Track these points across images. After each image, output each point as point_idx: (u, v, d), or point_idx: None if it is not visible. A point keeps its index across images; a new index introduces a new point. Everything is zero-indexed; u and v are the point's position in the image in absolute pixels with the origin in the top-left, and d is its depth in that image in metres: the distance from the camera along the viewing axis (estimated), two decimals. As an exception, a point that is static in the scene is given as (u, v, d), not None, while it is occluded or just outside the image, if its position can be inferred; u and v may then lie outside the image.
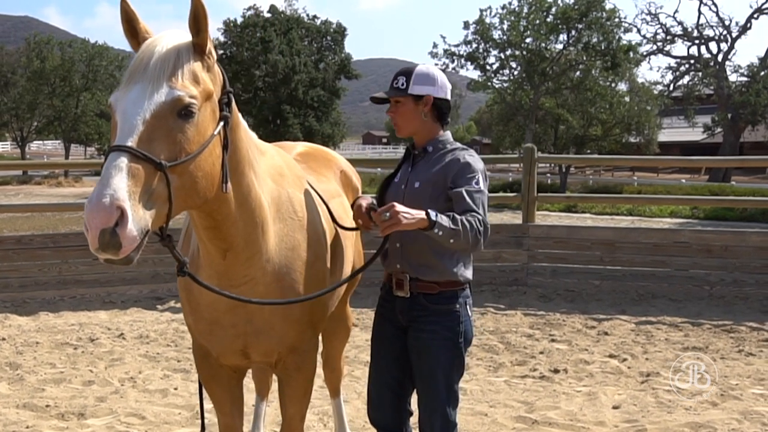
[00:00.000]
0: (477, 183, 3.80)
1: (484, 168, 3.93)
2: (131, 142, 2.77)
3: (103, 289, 11.28)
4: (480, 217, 3.67)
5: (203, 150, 2.98)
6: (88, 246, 2.69)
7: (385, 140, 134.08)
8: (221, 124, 3.12)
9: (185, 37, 3.08)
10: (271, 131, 52.91)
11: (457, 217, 3.60)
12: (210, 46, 3.11)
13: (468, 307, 4.06)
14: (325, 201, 4.18)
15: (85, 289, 11.25)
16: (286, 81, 56.36)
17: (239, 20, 59.22)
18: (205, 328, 3.76)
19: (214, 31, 61.20)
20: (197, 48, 3.07)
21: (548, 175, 54.11)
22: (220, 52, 57.62)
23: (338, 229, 4.21)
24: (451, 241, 3.58)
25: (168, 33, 3.09)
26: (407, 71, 3.99)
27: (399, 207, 3.52)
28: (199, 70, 3.05)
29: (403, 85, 3.95)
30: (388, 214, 3.51)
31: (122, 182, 2.67)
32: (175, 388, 7.37)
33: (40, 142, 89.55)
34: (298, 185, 3.91)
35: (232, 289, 3.55)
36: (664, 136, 60.53)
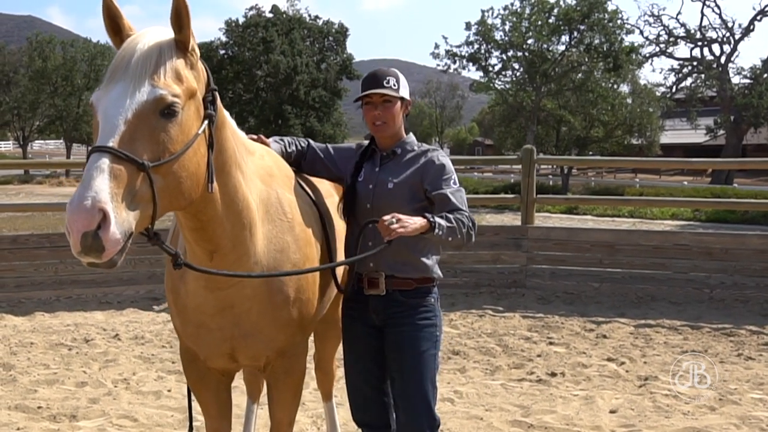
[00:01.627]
0: (455, 183, 4.01)
1: None
2: (113, 143, 2.71)
3: (100, 290, 11.23)
4: (467, 214, 3.88)
5: (187, 149, 2.92)
6: (72, 249, 2.63)
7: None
8: (206, 122, 3.07)
9: (168, 34, 3.02)
10: (272, 131, 52.77)
11: (449, 216, 3.79)
12: (193, 42, 3.05)
13: (438, 303, 4.20)
14: (316, 202, 4.13)
15: (82, 289, 11.20)
16: (287, 81, 56.33)
17: (241, 20, 59.22)
18: (192, 332, 3.71)
19: (216, 31, 61.10)
20: (180, 45, 3.01)
21: (550, 176, 54.08)
22: (222, 52, 57.72)
23: (330, 229, 4.17)
24: (450, 239, 3.76)
25: (150, 30, 3.03)
26: (393, 74, 4.08)
27: (401, 215, 3.65)
28: (182, 67, 2.99)
29: (394, 85, 4.03)
30: (394, 221, 3.61)
31: (104, 184, 2.61)
32: (169, 390, 7.31)
33: (42, 141, 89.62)
34: (287, 185, 3.85)
35: (219, 291, 3.50)
36: (666, 138, 60.42)
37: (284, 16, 60.05)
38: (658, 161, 26.08)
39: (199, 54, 3.14)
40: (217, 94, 3.21)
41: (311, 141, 4.43)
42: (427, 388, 4.04)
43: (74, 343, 8.99)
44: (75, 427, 6.37)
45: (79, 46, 67.51)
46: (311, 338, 5.57)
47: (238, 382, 6.06)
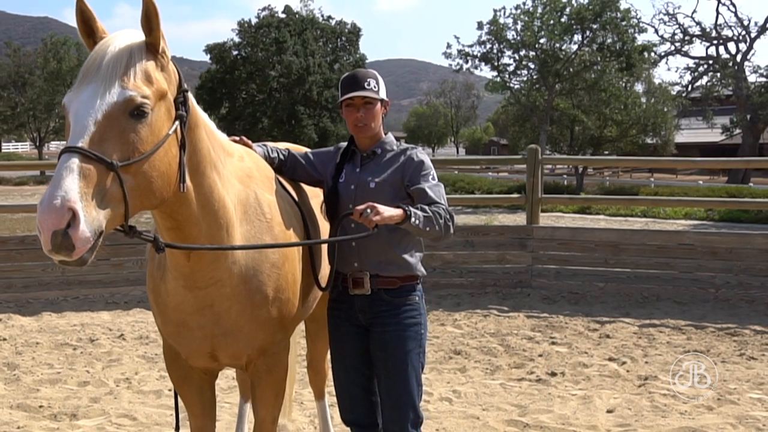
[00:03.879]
0: (433, 178, 4.07)
1: None
2: (82, 143, 2.77)
3: (107, 290, 11.31)
4: (444, 206, 3.92)
5: (157, 150, 2.97)
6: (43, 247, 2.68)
7: (403, 141, 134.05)
8: (177, 123, 3.12)
9: (139, 36, 3.07)
10: (285, 132, 53.00)
11: (426, 207, 3.86)
12: (163, 44, 3.10)
13: (423, 300, 4.26)
14: (298, 202, 4.18)
15: (89, 289, 11.28)
16: (300, 82, 56.39)
17: (254, 21, 59.35)
18: (173, 330, 3.76)
19: (229, 31, 61.29)
20: (150, 47, 3.06)
21: (564, 176, 53.93)
22: (235, 52, 57.84)
23: (313, 228, 4.22)
24: (428, 229, 3.81)
25: (122, 33, 3.09)
26: (372, 75, 4.16)
27: (375, 204, 3.70)
28: (153, 69, 3.04)
29: (375, 87, 4.10)
30: (369, 210, 3.65)
31: (73, 183, 2.66)
32: (170, 390, 7.33)
33: (58, 142, 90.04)
34: (267, 186, 3.90)
35: (198, 291, 3.55)
36: (682, 137, 60.10)
37: (297, 16, 60.14)
38: (667, 161, 25.99)
39: (170, 56, 3.18)
40: (189, 95, 3.26)
41: (291, 150, 4.50)
42: (412, 386, 4.10)
43: (79, 343, 9.07)
44: (74, 425, 6.43)
45: (94, 47, 67.75)
46: (303, 338, 5.64)
47: (233, 381, 6.11)
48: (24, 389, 7.42)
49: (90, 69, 2.96)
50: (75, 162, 2.71)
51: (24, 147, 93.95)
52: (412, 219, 3.73)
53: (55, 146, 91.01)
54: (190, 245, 3.37)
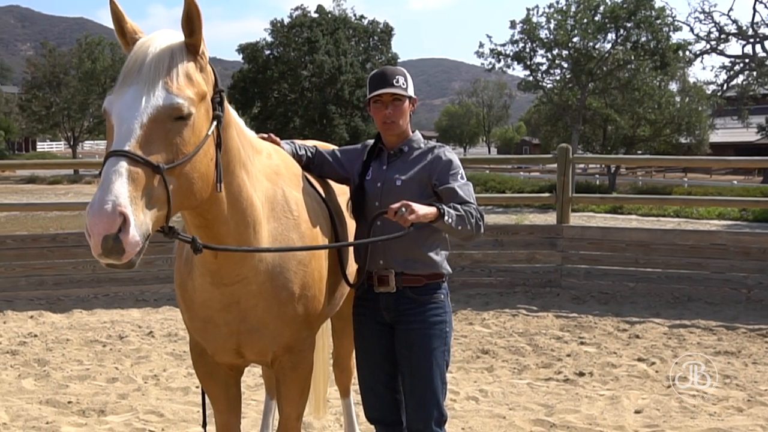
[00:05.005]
0: (462, 177, 4.07)
1: None
2: (129, 147, 2.79)
3: (137, 287, 11.39)
4: (475, 206, 3.94)
5: (198, 151, 3.00)
6: (92, 251, 2.73)
7: (434, 140, 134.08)
8: (214, 123, 3.14)
9: (177, 37, 3.09)
10: (317, 131, 53.12)
11: (458, 206, 3.87)
12: (203, 46, 3.12)
13: (449, 298, 4.23)
14: (326, 199, 4.18)
15: (119, 287, 11.37)
16: (332, 81, 56.57)
17: (286, 20, 59.57)
18: (200, 326, 3.78)
19: (262, 31, 61.52)
20: (190, 48, 3.08)
21: (597, 176, 53.59)
22: (267, 52, 58.12)
23: (340, 226, 4.22)
24: (460, 227, 3.82)
25: (159, 33, 3.10)
26: (401, 72, 4.16)
27: (410, 203, 3.71)
28: (193, 70, 3.06)
29: (403, 84, 4.10)
30: (403, 209, 3.66)
31: (123, 187, 2.70)
32: (197, 386, 7.35)
33: (93, 141, 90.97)
34: (295, 184, 3.90)
35: (225, 287, 3.57)
36: (717, 136, 59.47)
37: (329, 16, 60.30)
38: (699, 160, 25.89)
39: (208, 56, 3.20)
40: (224, 95, 3.28)
41: (318, 147, 4.51)
42: (436, 384, 4.10)
43: (109, 339, 9.14)
44: (102, 421, 6.48)
45: (128, 47, 68.40)
46: (330, 336, 5.64)
47: (258, 378, 6.11)
48: (53, 385, 7.50)
49: (131, 70, 2.97)
50: (123, 165, 2.74)
51: (58, 146, 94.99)
52: (446, 217, 3.75)
53: (89, 145, 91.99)
54: (227, 247, 3.39)
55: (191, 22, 3.01)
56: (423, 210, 3.69)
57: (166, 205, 2.88)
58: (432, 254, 4.08)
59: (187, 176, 2.98)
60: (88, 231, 2.67)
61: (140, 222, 2.72)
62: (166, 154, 2.88)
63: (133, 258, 2.73)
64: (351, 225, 4.34)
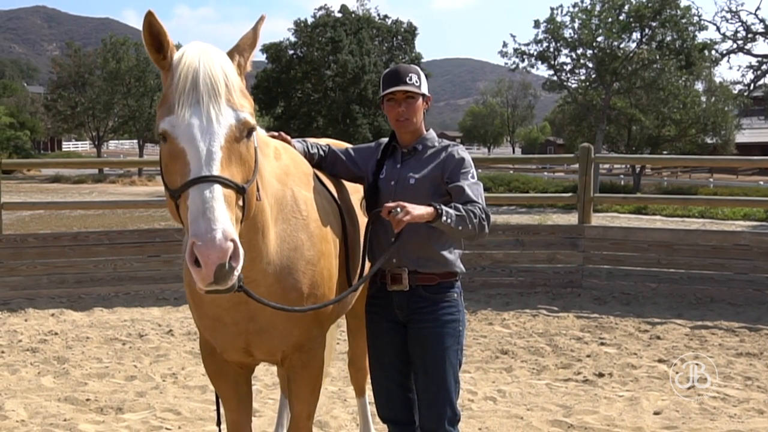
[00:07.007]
0: (473, 176, 4.06)
1: None
2: (218, 170, 2.80)
3: (157, 286, 11.42)
4: (480, 206, 3.91)
5: (258, 164, 3.05)
6: (198, 281, 2.75)
7: (458, 140, 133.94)
8: (254, 134, 3.12)
9: (219, 52, 3.06)
10: (340, 131, 53.13)
11: (460, 206, 3.85)
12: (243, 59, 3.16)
13: (462, 297, 4.22)
14: (337, 198, 4.16)
15: (140, 285, 11.41)
16: (355, 81, 56.59)
17: (310, 20, 59.65)
18: (209, 325, 3.76)
19: (285, 31, 61.82)
20: (238, 63, 3.11)
21: (621, 176, 53.26)
22: (291, 52, 58.27)
23: (351, 225, 4.20)
24: (460, 228, 3.81)
25: (198, 48, 3.04)
26: (414, 70, 4.15)
27: (405, 203, 3.69)
28: (243, 85, 3.07)
29: (417, 82, 4.09)
30: (398, 209, 3.64)
31: (224, 214, 2.73)
32: (215, 385, 7.40)
33: (117, 141, 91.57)
34: (304, 183, 3.88)
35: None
36: (743, 137, 58.96)
37: (353, 15, 60.33)
38: (724, 159, 25.54)
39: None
40: None
41: (331, 145, 4.50)
42: (449, 383, 4.09)
43: (128, 338, 9.18)
44: (120, 419, 6.49)
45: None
46: (345, 335, 5.62)
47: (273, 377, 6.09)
48: (72, 383, 7.53)
49: (188, 91, 2.91)
50: (219, 190, 2.76)
51: (84, 146, 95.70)
52: (444, 217, 3.73)
53: (114, 145, 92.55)
54: (262, 299, 3.40)
55: (254, 46, 3.20)
56: (418, 211, 3.67)
57: (239, 225, 2.91)
58: (445, 253, 4.07)
59: (251, 192, 3.02)
60: (197, 260, 2.68)
61: (240, 245, 2.75)
62: (242, 173, 2.92)
63: (236, 281, 2.79)
64: (364, 224, 4.32)
